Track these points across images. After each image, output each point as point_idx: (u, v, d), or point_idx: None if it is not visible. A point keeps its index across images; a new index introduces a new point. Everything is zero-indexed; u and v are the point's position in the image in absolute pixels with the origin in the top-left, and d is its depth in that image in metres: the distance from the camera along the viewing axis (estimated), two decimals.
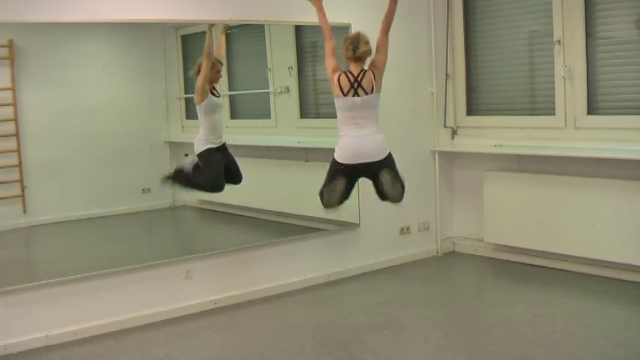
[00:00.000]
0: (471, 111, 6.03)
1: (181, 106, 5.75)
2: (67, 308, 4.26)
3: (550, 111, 5.38)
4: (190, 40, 5.79)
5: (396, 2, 4.19)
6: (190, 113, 5.67)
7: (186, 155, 5.38)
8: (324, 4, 4.35)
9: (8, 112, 4.58)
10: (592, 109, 5.14)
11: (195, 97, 4.80)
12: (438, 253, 6.10)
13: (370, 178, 4.16)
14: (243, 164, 5.63)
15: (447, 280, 5.55)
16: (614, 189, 4.89)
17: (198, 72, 4.79)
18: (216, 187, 4.90)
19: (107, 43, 5.23)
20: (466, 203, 6.07)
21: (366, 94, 4.06)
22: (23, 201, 4.73)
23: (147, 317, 4.53)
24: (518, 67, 5.66)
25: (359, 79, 4.07)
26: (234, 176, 5.01)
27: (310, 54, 5.96)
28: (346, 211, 4.76)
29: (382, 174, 4.10)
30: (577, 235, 5.11)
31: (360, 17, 5.49)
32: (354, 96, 4.05)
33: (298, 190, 5.82)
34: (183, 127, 5.73)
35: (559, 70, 5.23)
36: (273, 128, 6.00)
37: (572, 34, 5.11)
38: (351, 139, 4.07)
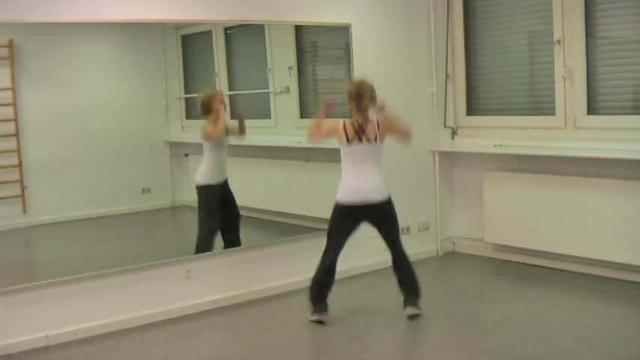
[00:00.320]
0: (470, 111, 6.03)
1: (181, 106, 5.75)
2: (67, 308, 4.26)
3: (550, 111, 5.38)
4: (190, 40, 5.80)
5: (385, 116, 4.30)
6: (190, 113, 5.69)
7: (186, 155, 5.39)
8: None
9: (8, 112, 4.58)
10: (592, 109, 5.14)
11: (206, 138, 4.87)
12: (438, 253, 6.10)
13: (374, 225, 4.33)
14: (243, 164, 5.65)
15: (447, 280, 5.55)
16: (614, 189, 4.89)
17: (203, 111, 4.86)
18: (210, 225, 4.96)
19: (107, 43, 5.23)
20: (466, 203, 6.07)
21: (369, 142, 4.21)
22: (23, 201, 4.73)
23: (147, 317, 4.53)
24: (518, 67, 5.65)
25: (363, 127, 4.22)
26: (232, 210, 5.05)
27: (310, 54, 5.96)
28: None
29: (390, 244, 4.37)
30: (577, 235, 5.11)
31: (360, 17, 5.50)
32: (358, 143, 4.22)
33: (298, 190, 5.82)
34: (183, 127, 5.73)
35: (559, 70, 5.23)
36: (273, 128, 6.00)
37: (572, 34, 5.11)
38: (352, 180, 4.23)
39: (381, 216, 4.31)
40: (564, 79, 5.21)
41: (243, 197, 5.19)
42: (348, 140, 4.21)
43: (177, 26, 5.57)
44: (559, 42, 5.19)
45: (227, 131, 4.97)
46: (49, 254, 5.08)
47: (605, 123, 5.03)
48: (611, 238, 4.90)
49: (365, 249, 5.12)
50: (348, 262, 5.10)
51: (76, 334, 4.27)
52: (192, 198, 5.22)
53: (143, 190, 5.63)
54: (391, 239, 4.39)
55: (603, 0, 4.96)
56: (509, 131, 5.64)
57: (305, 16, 5.26)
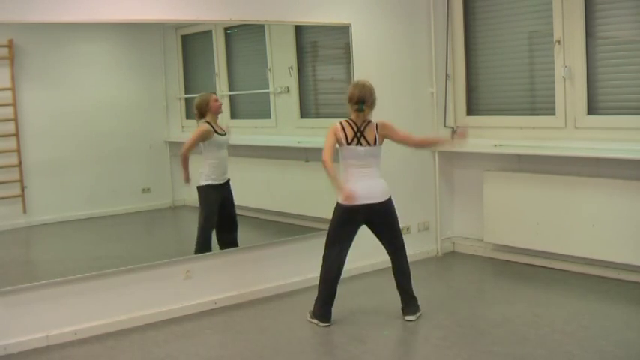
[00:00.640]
0: (470, 111, 6.03)
1: (181, 106, 5.75)
2: (67, 308, 4.26)
3: (550, 111, 5.38)
4: (190, 40, 5.80)
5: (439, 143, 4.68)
6: (190, 113, 5.68)
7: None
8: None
9: (8, 112, 4.58)
10: (592, 109, 5.14)
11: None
12: (438, 253, 6.10)
13: (373, 227, 4.35)
14: (243, 164, 5.65)
15: (447, 280, 5.55)
16: (614, 189, 4.89)
17: (199, 114, 4.94)
18: (207, 227, 4.97)
19: (107, 43, 5.23)
20: (466, 203, 6.07)
21: (369, 145, 4.22)
22: (23, 201, 4.73)
23: (147, 317, 4.53)
24: (518, 67, 5.65)
25: (362, 129, 4.22)
26: (229, 212, 5.07)
27: (310, 54, 5.96)
28: None
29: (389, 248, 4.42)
30: (577, 235, 5.11)
31: (360, 17, 5.50)
32: (357, 145, 4.21)
33: (298, 190, 5.82)
34: (183, 127, 5.73)
35: (559, 70, 5.23)
36: (273, 128, 6.00)
37: (572, 34, 5.11)
38: (354, 183, 4.21)
39: (383, 215, 4.31)
40: (564, 79, 5.21)
41: (244, 197, 5.19)
42: (347, 142, 4.21)
43: (177, 26, 5.57)
44: (559, 42, 5.19)
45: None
46: (49, 254, 5.08)
47: (605, 123, 5.03)
48: (611, 238, 4.90)
49: (365, 249, 5.11)
50: (348, 262, 5.09)
51: (76, 334, 4.27)
52: (192, 198, 5.22)
53: (143, 190, 5.63)
54: (391, 242, 4.40)
55: (603, 0, 4.96)
56: (509, 131, 5.64)
57: (305, 16, 5.26)
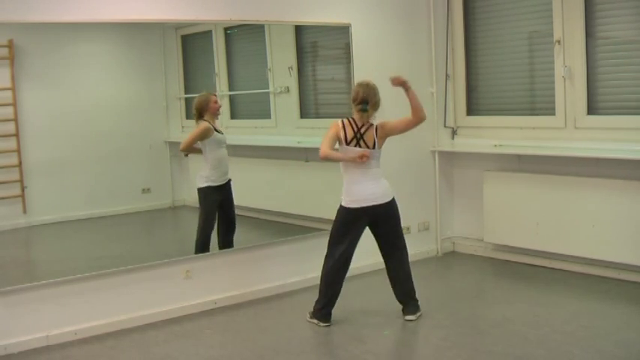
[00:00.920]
0: (470, 111, 6.03)
1: (181, 106, 5.75)
2: (67, 308, 4.26)
3: (550, 111, 5.38)
4: (190, 40, 5.80)
5: (407, 88, 4.27)
6: (190, 113, 5.67)
7: (186, 155, 5.39)
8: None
9: (8, 112, 4.58)
10: (592, 109, 5.14)
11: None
12: (438, 253, 6.10)
13: (376, 228, 4.34)
14: (243, 164, 5.64)
15: (447, 280, 5.55)
16: (614, 189, 4.89)
17: (198, 115, 4.94)
18: (206, 229, 4.98)
19: (107, 43, 5.23)
20: (466, 203, 6.07)
21: (367, 147, 4.20)
22: (23, 201, 4.73)
23: (147, 317, 4.53)
24: (518, 67, 5.65)
25: (362, 131, 4.21)
26: (228, 213, 5.08)
27: (310, 54, 5.96)
28: None
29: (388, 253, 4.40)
30: (577, 235, 5.11)
31: (360, 17, 5.50)
32: (355, 146, 4.19)
33: (298, 190, 5.82)
34: (183, 127, 5.73)
35: (559, 70, 5.23)
36: (273, 128, 6.00)
37: (572, 34, 5.11)
38: (355, 184, 4.22)
39: (386, 217, 4.30)
40: (564, 79, 5.21)
41: (244, 197, 5.19)
42: (346, 141, 4.20)
43: (177, 26, 5.57)
44: (559, 42, 5.19)
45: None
46: (49, 254, 5.08)
47: (605, 123, 5.03)
48: (611, 238, 4.90)
49: (365, 249, 5.11)
50: (351, 261, 5.09)
51: (76, 334, 4.27)
52: (192, 198, 5.22)
53: (143, 190, 5.63)
54: (393, 243, 4.38)
55: (603, 0, 4.96)
56: (509, 131, 5.64)
57: (305, 16, 5.26)
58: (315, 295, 4.41)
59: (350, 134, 4.20)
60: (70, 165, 5.07)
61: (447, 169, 6.12)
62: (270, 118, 5.99)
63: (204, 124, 4.90)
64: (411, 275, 4.44)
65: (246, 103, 6.11)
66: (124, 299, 4.47)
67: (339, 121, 4.24)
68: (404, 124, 4.32)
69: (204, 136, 4.89)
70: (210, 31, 5.85)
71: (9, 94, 4.59)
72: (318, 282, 4.38)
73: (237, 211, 5.14)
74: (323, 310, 4.34)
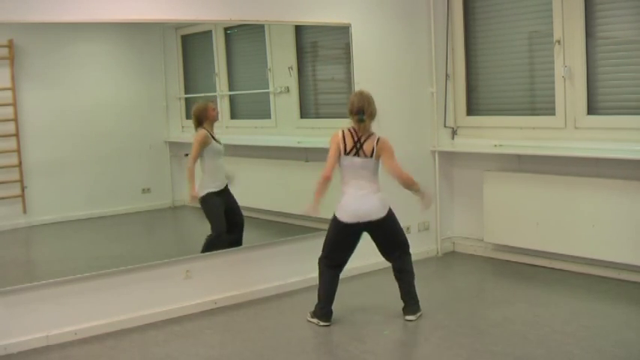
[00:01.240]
0: (470, 111, 6.03)
1: (181, 106, 5.75)
2: (67, 308, 4.26)
3: (550, 111, 5.38)
4: (190, 40, 5.80)
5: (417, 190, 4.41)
6: (190, 113, 5.67)
7: (186, 155, 5.38)
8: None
9: (8, 112, 4.58)
10: (592, 109, 5.14)
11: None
12: (438, 253, 6.10)
13: (373, 236, 4.35)
14: (243, 164, 5.64)
15: (447, 280, 5.55)
16: (614, 189, 4.89)
17: (196, 123, 4.97)
18: (220, 230, 5.00)
19: (107, 43, 5.23)
20: (466, 203, 6.07)
21: (365, 157, 4.21)
22: (23, 201, 4.73)
23: (147, 317, 4.53)
24: (518, 67, 5.65)
25: (362, 141, 4.22)
26: (237, 218, 5.10)
27: (310, 54, 5.96)
28: None
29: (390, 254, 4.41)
30: (577, 235, 5.11)
31: (360, 17, 5.50)
32: (354, 156, 4.20)
33: (298, 190, 5.82)
34: (183, 127, 5.73)
35: (559, 70, 5.23)
36: (273, 128, 6.00)
37: (572, 34, 5.11)
38: (351, 198, 4.23)
39: (382, 229, 4.32)
40: (564, 79, 5.21)
41: (244, 197, 5.19)
42: (345, 151, 4.21)
43: (177, 26, 5.57)
44: (559, 42, 5.19)
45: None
46: (49, 254, 5.08)
47: (605, 123, 5.03)
48: (611, 238, 4.90)
49: (365, 249, 5.11)
50: (348, 262, 5.10)
51: (76, 334, 4.27)
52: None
53: (143, 190, 5.63)
54: (396, 246, 4.39)
55: (603, 0, 4.96)
56: (509, 131, 5.64)
57: (305, 16, 5.26)
58: (315, 296, 4.41)
59: (350, 144, 4.21)
60: (70, 165, 5.07)
61: (447, 169, 6.12)
62: (270, 118, 5.99)
63: (202, 133, 4.94)
64: (413, 275, 4.43)
65: (246, 103, 6.12)
66: (124, 299, 4.47)
67: (340, 132, 4.24)
68: (392, 169, 4.28)
69: (204, 144, 4.92)
70: (210, 31, 5.85)
71: (9, 94, 4.59)
72: (318, 282, 4.39)
73: None
74: (322, 310, 4.35)
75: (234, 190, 5.09)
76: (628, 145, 4.82)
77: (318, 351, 4.09)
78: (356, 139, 4.22)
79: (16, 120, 4.60)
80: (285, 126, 5.99)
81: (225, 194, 5.05)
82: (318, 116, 5.99)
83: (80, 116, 5.11)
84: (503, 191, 5.61)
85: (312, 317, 4.40)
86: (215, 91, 5.87)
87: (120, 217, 5.39)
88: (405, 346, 4.21)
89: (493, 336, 4.04)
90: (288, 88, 5.86)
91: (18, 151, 4.67)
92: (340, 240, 4.32)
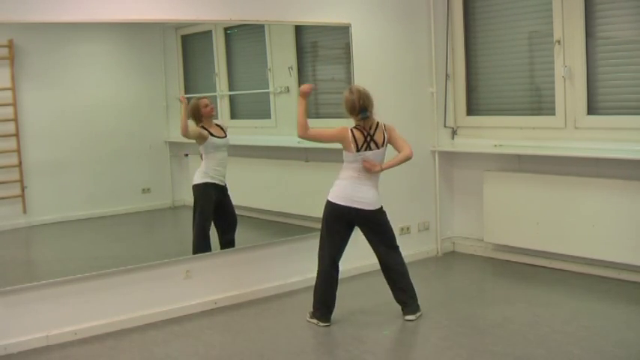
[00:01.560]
0: (470, 111, 6.03)
1: (181, 106, 5.74)
2: (67, 308, 4.26)
3: (550, 111, 5.38)
4: (190, 40, 5.79)
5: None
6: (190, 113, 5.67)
7: (186, 155, 5.39)
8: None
9: (8, 112, 4.58)
10: (592, 109, 5.14)
11: (184, 136, 5.02)
12: (438, 253, 6.10)
13: (364, 231, 4.36)
14: (243, 164, 5.64)
15: (447, 280, 5.55)
16: (614, 189, 4.89)
17: (194, 119, 4.98)
18: (200, 221, 4.97)
19: (107, 43, 5.23)
20: (466, 203, 6.07)
21: (377, 147, 4.20)
22: (23, 201, 4.73)
23: (147, 317, 4.53)
24: (518, 67, 5.65)
25: (371, 132, 4.20)
26: (230, 218, 5.09)
27: (310, 54, 5.96)
28: None
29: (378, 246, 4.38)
30: (577, 235, 5.11)
31: (360, 17, 5.50)
32: (366, 150, 4.18)
33: (298, 190, 5.82)
34: None
35: (559, 70, 5.23)
36: (273, 128, 6.00)
37: (572, 34, 5.11)
38: (349, 184, 4.21)
39: (373, 223, 4.32)
40: (564, 79, 5.21)
41: (243, 197, 5.19)
42: (357, 148, 4.19)
43: (177, 26, 5.57)
44: (559, 42, 5.19)
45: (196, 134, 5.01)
46: (49, 254, 5.08)
47: (605, 123, 5.03)
48: (611, 238, 4.90)
49: (365, 249, 5.12)
50: (348, 262, 5.10)
51: (76, 334, 4.27)
52: (192, 198, 5.22)
53: (143, 190, 5.62)
54: (383, 248, 4.39)
55: (603, 0, 4.96)
56: (509, 131, 5.64)
57: (305, 16, 5.26)
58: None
59: (360, 140, 4.18)
60: (70, 165, 5.07)
61: (447, 169, 6.12)
62: (270, 118, 5.99)
63: (198, 130, 4.96)
64: (408, 275, 4.43)
65: (246, 103, 6.11)
66: (124, 299, 4.47)
67: (349, 130, 4.19)
68: (403, 143, 4.30)
69: (200, 138, 4.93)
70: (210, 31, 5.84)
71: (9, 94, 4.59)
72: (315, 283, 4.39)
73: (237, 211, 5.14)
74: (322, 310, 4.35)
75: (235, 190, 5.09)
76: (628, 145, 4.82)
77: (318, 351, 4.09)
78: (366, 133, 4.19)
79: (16, 120, 4.59)
80: (285, 126, 5.99)
81: (221, 191, 5.04)
82: (318, 116, 5.98)
83: (80, 116, 5.11)
84: (503, 191, 5.61)
85: (312, 317, 4.40)
86: (215, 91, 5.87)
87: (120, 217, 5.39)
88: (405, 346, 4.21)
89: (493, 336, 4.04)
90: (288, 88, 5.86)
91: (18, 151, 4.67)
92: (332, 227, 4.28)
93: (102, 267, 4.45)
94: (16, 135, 4.63)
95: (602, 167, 5.02)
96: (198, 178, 4.99)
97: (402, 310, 4.41)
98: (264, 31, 5.73)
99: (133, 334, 4.35)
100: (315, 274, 4.43)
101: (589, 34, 5.05)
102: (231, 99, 5.99)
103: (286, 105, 5.94)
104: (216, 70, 5.88)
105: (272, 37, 5.78)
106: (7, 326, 4.07)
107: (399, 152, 4.29)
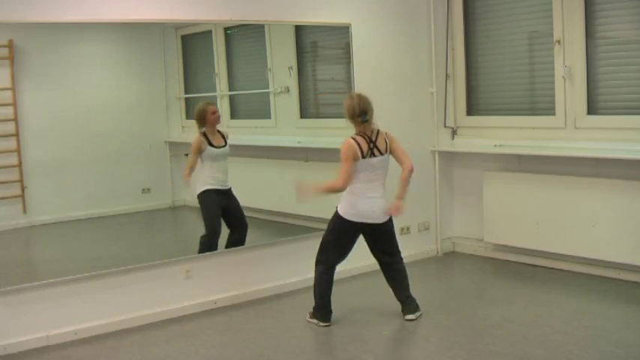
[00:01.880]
0: (470, 111, 6.03)
1: (181, 106, 5.75)
2: (67, 308, 4.26)
3: (550, 111, 5.38)
4: (190, 40, 5.80)
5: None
6: (190, 113, 5.68)
7: (186, 155, 5.39)
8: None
9: (8, 112, 4.58)
10: (592, 109, 5.14)
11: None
12: (438, 253, 6.10)
13: (369, 239, 4.39)
14: (243, 164, 5.64)
15: (447, 280, 5.55)
16: (614, 189, 4.89)
17: (198, 123, 5.00)
18: (212, 230, 4.99)
19: (107, 43, 5.23)
20: (466, 203, 6.07)
21: (381, 154, 4.21)
22: (23, 201, 4.73)
23: (147, 317, 4.53)
24: (518, 67, 5.65)
25: (373, 139, 4.21)
26: (237, 221, 5.10)
27: (310, 54, 5.96)
28: None
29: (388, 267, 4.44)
30: (577, 235, 5.11)
31: (360, 17, 5.50)
32: (371, 157, 4.18)
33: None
34: (183, 127, 5.73)
35: (559, 70, 5.23)
36: (273, 128, 6.00)
37: (572, 34, 5.11)
38: (361, 199, 4.21)
39: (381, 233, 4.34)
40: (564, 79, 5.21)
41: (244, 197, 5.19)
42: (362, 155, 4.17)
43: (177, 26, 5.57)
44: (559, 42, 5.19)
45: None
46: (49, 254, 5.08)
47: (605, 123, 5.03)
48: (611, 238, 4.90)
49: (365, 249, 5.12)
50: (348, 262, 5.11)
51: (76, 334, 4.27)
52: (192, 198, 5.22)
53: (143, 190, 5.62)
54: (386, 254, 4.42)
55: (603, 0, 4.96)
56: (509, 131, 5.64)
57: (305, 16, 5.26)
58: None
59: (365, 147, 4.17)
60: (70, 165, 5.07)
61: (447, 169, 6.12)
62: (270, 118, 5.99)
63: (197, 140, 4.96)
64: (405, 275, 4.45)
65: (246, 103, 6.11)
66: (124, 299, 4.47)
67: (352, 141, 4.15)
68: (403, 154, 4.30)
69: (199, 150, 4.95)
70: (210, 31, 5.84)
71: (9, 94, 4.59)
72: (314, 285, 4.40)
73: None
74: (322, 310, 4.35)
75: (235, 190, 5.09)
76: (628, 145, 4.82)
77: (318, 351, 4.09)
78: (368, 140, 4.20)
79: (16, 120, 4.60)
80: (285, 126, 5.99)
81: (226, 196, 5.05)
82: (318, 116, 5.99)
83: (80, 116, 5.11)
84: (503, 191, 5.61)
85: (312, 318, 4.40)
86: (215, 91, 5.87)
87: (120, 217, 5.39)
88: (405, 346, 4.22)
89: (493, 336, 4.04)
90: (288, 88, 5.86)
91: (18, 151, 4.67)
92: (341, 239, 4.31)
93: (102, 267, 4.45)
94: (16, 135, 4.64)
95: (601, 167, 5.02)
96: (200, 187, 5.00)
97: (402, 309, 4.41)
98: (264, 31, 5.73)
99: (133, 334, 4.35)
100: (314, 274, 4.43)
101: (589, 34, 5.05)
102: (231, 99, 5.99)
103: (286, 105, 5.94)
104: (216, 70, 5.88)
105: (272, 37, 5.78)
106: (7, 326, 4.07)
107: (401, 165, 4.30)
